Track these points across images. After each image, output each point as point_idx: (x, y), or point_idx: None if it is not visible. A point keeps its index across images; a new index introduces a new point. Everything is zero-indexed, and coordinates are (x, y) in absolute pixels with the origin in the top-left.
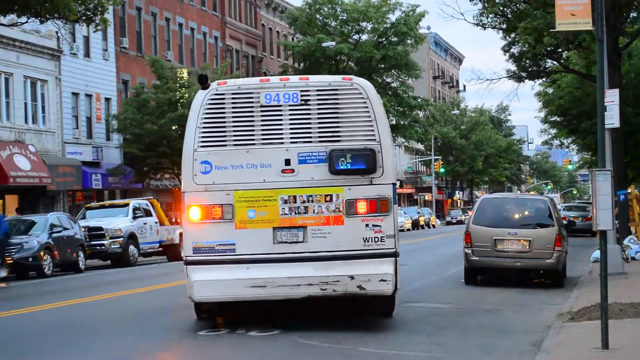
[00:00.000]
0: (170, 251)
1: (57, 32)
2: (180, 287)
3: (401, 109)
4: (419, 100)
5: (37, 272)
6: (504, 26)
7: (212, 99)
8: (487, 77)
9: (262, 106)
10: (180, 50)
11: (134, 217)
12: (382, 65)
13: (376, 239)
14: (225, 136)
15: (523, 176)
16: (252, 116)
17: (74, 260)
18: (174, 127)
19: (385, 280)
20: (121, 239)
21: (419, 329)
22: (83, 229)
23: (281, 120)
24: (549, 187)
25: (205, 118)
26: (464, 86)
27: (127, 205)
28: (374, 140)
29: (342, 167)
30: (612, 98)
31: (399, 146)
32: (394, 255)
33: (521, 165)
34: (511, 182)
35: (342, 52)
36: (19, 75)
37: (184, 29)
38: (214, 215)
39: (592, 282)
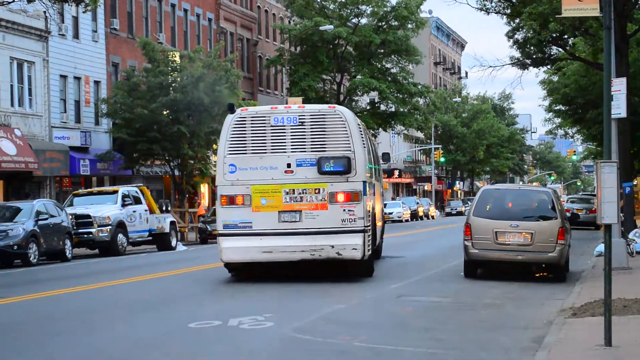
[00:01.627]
0: (160, 240)
1: (45, 12)
2: (169, 278)
3: (401, 96)
4: (420, 86)
5: (23, 260)
6: (509, 11)
7: (236, 121)
8: (490, 63)
9: (271, 126)
10: (172, 32)
11: (123, 205)
12: (382, 50)
13: (350, 220)
14: (245, 146)
15: (526, 166)
16: (265, 133)
17: (61, 249)
18: (165, 112)
19: (355, 249)
20: (109, 227)
21: (417, 323)
22: (70, 217)
23: (284, 136)
24: (552, 178)
25: (232, 134)
26: (466, 73)
27: (115, 192)
28: (350, 150)
29: (327, 169)
30: (619, 87)
31: (397, 134)
32: (363, 231)
33: (524, 155)
34: (513, 172)
35: (341, 36)
36: (5, 56)
37: (177, 10)
38: (237, 202)
39: (596, 277)
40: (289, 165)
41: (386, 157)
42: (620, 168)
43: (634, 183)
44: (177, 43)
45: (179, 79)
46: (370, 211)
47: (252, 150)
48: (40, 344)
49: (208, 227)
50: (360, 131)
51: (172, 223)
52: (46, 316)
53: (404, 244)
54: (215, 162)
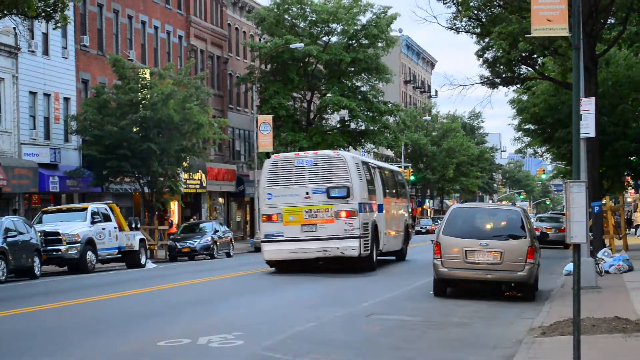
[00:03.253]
0: (130, 258)
1: (14, 29)
2: (137, 296)
3: (371, 114)
4: (389, 105)
5: None
6: (478, 30)
7: (271, 163)
8: (460, 82)
9: (295, 166)
10: (143, 49)
11: (92, 222)
12: (352, 69)
13: (350, 230)
14: (278, 180)
15: (495, 185)
16: (290, 171)
17: (29, 266)
18: (135, 129)
19: (353, 249)
20: (78, 244)
21: (387, 342)
22: (39, 234)
23: (304, 173)
24: (521, 196)
25: (269, 172)
26: (436, 91)
27: (85, 209)
28: (349, 182)
29: (333, 195)
30: (587, 107)
31: (367, 152)
32: (359, 237)
33: (494, 174)
34: (483, 191)
35: (311, 54)
36: None
37: (147, 27)
38: (273, 219)
39: (565, 295)
40: (307, 193)
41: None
42: (589, 187)
43: (603, 202)
44: (147, 60)
45: (149, 96)
46: (369, 223)
47: (283, 183)
48: None
49: (178, 244)
50: (358, 168)
51: (141, 240)
52: (11, 334)
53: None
54: (185, 179)
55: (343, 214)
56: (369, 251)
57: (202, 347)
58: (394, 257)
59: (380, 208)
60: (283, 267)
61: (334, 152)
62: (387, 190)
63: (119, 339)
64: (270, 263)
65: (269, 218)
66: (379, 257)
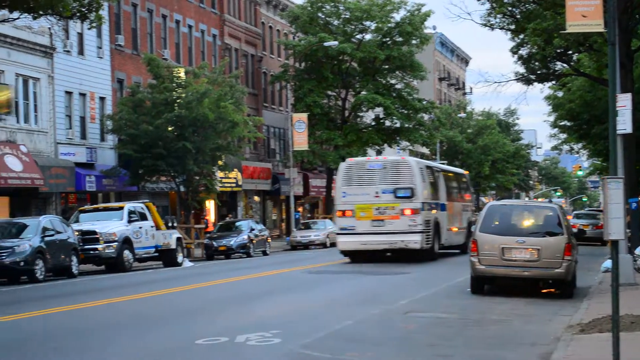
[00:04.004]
0: (166, 256)
1: (50, 29)
2: (176, 294)
3: (405, 112)
4: (424, 102)
5: (29, 277)
6: (513, 27)
7: (346, 166)
8: (495, 79)
9: (367, 169)
10: (177, 48)
11: (129, 221)
12: (386, 66)
13: (413, 225)
14: (351, 181)
15: (531, 182)
16: (363, 173)
17: (67, 265)
18: (170, 128)
19: (416, 243)
20: (115, 243)
21: (424, 340)
22: (76, 233)
23: (374, 175)
24: (558, 193)
25: (344, 173)
26: (471, 88)
27: (121, 208)
28: (413, 184)
29: (399, 195)
30: (624, 102)
31: (403, 150)
32: (422, 232)
33: (529, 170)
34: (519, 188)
35: (345, 52)
36: (11, 72)
37: (181, 26)
38: (347, 215)
39: (603, 292)
40: (376, 193)
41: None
42: (626, 184)
43: None
44: (181, 59)
45: (183, 95)
46: (431, 220)
47: (356, 183)
48: None
49: (214, 243)
50: (422, 172)
51: (178, 239)
52: (52, 333)
53: (411, 261)
54: (220, 177)
55: (407, 212)
56: (431, 244)
57: (239, 345)
58: (458, 250)
59: (442, 207)
60: (355, 256)
61: (401, 158)
62: (450, 191)
63: (157, 337)
64: (344, 252)
65: (343, 214)
66: (442, 250)
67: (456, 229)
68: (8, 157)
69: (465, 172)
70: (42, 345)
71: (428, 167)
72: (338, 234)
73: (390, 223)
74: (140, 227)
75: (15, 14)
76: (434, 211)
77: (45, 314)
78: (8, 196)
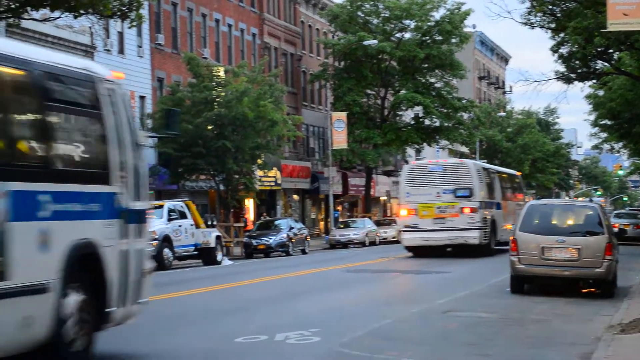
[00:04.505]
0: (206, 255)
1: (90, 28)
2: (215, 292)
3: (445, 111)
4: (464, 101)
5: None
6: (553, 25)
7: (410, 168)
8: (535, 78)
9: (429, 171)
10: (217, 47)
11: (169, 219)
12: (426, 65)
13: (471, 223)
14: (414, 182)
15: (571, 181)
16: (425, 175)
17: None
18: (209, 127)
19: (475, 239)
20: (155, 241)
21: (464, 339)
22: None
23: (435, 176)
24: (598, 193)
25: (407, 175)
26: (511, 87)
27: (161, 206)
28: (471, 185)
29: (458, 195)
30: None
31: (442, 149)
32: (479, 229)
33: (569, 170)
34: (559, 187)
35: (384, 50)
36: None
37: (221, 25)
38: (410, 213)
39: None
40: (438, 193)
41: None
42: None
43: None
44: (221, 58)
45: (223, 94)
46: (488, 218)
47: (419, 184)
48: None
49: (254, 241)
50: (479, 174)
51: (217, 237)
52: None
53: (451, 259)
54: (259, 176)
55: (466, 210)
56: (488, 240)
57: (279, 343)
58: None
59: (498, 206)
60: (418, 251)
61: (460, 160)
62: (504, 191)
63: (196, 335)
64: (408, 248)
65: (408, 213)
66: (498, 247)
67: (510, 226)
68: None
69: (518, 174)
70: None
71: (484, 169)
72: (402, 231)
73: (450, 221)
74: (180, 226)
75: (56, 14)
76: (490, 210)
77: None
78: None
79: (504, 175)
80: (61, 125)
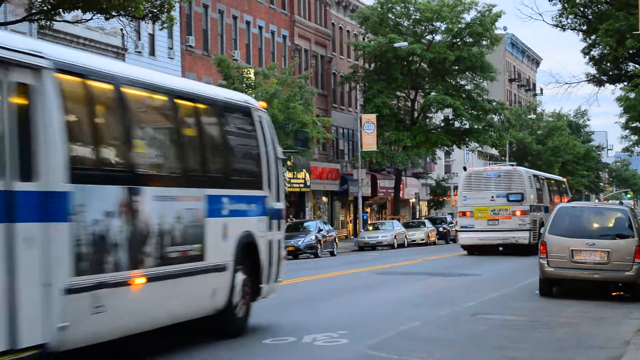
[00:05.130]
0: None
1: (122, 30)
2: None
3: (475, 113)
4: (494, 103)
5: None
6: (584, 27)
7: (467, 174)
8: (566, 80)
9: (484, 177)
10: (247, 49)
11: None
12: (456, 67)
13: (522, 224)
14: (471, 187)
15: (602, 184)
16: (480, 180)
17: None
18: None
19: (525, 239)
20: None
21: (492, 341)
22: None
23: (490, 182)
24: (628, 195)
25: (465, 181)
26: (541, 89)
27: None
28: (523, 190)
29: (511, 199)
30: None
31: (472, 151)
32: (529, 230)
33: (600, 172)
34: (589, 190)
35: (415, 52)
36: None
37: (251, 27)
38: (467, 215)
39: None
40: (492, 197)
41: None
42: None
43: None
44: (251, 60)
45: (253, 96)
46: (537, 220)
47: (475, 189)
48: None
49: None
50: (530, 180)
51: None
52: None
53: (480, 261)
54: (289, 178)
55: (518, 213)
56: (537, 241)
57: (307, 345)
58: None
59: (546, 209)
60: (472, 249)
61: (513, 168)
62: (552, 196)
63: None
64: (464, 247)
65: (464, 214)
66: None
67: None
68: None
69: (564, 179)
70: None
71: (535, 175)
72: (459, 231)
73: (503, 222)
74: None
75: (88, 15)
76: (539, 213)
77: None
78: None
79: (552, 181)
80: (234, 144)
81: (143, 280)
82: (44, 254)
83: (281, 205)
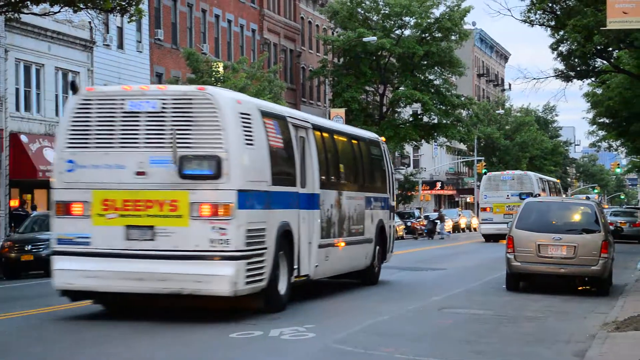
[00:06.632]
0: None
1: (90, 23)
2: None
3: (444, 108)
4: (462, 98)
5: None
6: (553, 23)
7: (487, 177)
8: (534, 76)
9: (501, 179)
10: (216, 43)
11: None
12: (425, 62)
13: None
14: (490, 187)
15: (569, 179)
16: (498, 182)
17: None
18: None
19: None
20: None
21: (459, 336)
22: None
23: (506, 184)
24: (595, 191)
25: (485, 183)
26: (510, 85)
27: None
28: (533, 190)
29: (523, 197)
30: None
31: (440, 146)
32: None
33: (567, 168)
34: None
35: (384, 47)
36: (50, 66)
37: (220, 21)
38: (487, 210)
39: (639, 290)
40: (507, 196)
41: None
42: None
43: None
44: (220, 54)
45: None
46: None
47: (494, 189)
48: None
49: None
50: (538, 181)
51: None
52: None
53: (446, 256)
54: None
55: None
56: None
57: (274, 339)
58: None
59: None
60: (490, 238)
61: (524, 173)
62: (551, 193)
63: (190, 331)
64: (484, 236)
65: (484, 209)
66: None
67: None
68: (47, 150)
69: (558, 180)
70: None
71: (540, 178)
72: (480, 223)
73: None
74: None
75: (56, 8)
76: None
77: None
78: (46, 189)
79: (551, 183)
80: (374, 164)
81: (343, 244)
82: (308, 227)
83: (394, 203)
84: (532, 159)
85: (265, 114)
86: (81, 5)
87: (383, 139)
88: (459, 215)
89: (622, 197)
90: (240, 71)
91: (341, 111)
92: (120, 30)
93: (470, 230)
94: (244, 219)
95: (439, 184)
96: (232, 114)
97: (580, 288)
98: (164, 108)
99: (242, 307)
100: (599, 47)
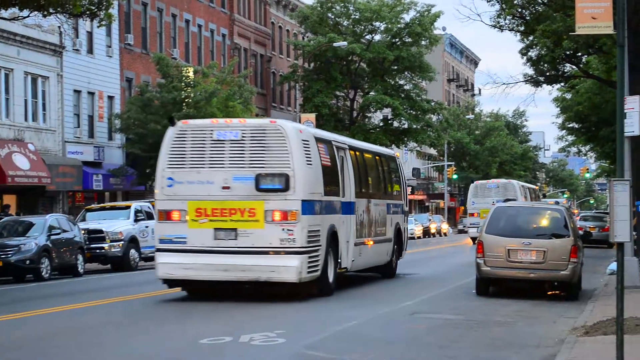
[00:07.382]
0: None
1: (59, 27)
2: (181, 293)
3: (414, 113)
4: (433, 103)
5: (35, 275)
6: (522, 28)
7: (474, 186)
8: (504, 81)
9: (487, 188)
10: (186, 47)
11: (136, 220)
12: (395, 67)
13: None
14: (477, 195)
15: (539, 184)
16: (484, 190)
17: (73, 264)
18: None
19: None
20: (122, 242)
21: (429, 341)
22: (83, 232)
23: (491, 191)
24: (565, 195)
25: (473, 190)
26: (479, 90)
27: (128, 207)
28: (516, 197)
29: (507, 199)
30: (632, 105)
31: (410, 151)
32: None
33: (537, 172)
34: None
35: (354, 52)
36: (20, 71)
37: (191, 25)
38: (474, 216)
39: (608, 295)
40: (493, 202)
41: None
42: (633, 186)
43: None
44: (191, 58)
45: (192, 95)
46: None
47: (480, 196)
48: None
49: None
50: (520, 189)
51: None
52: (53, 332)
53: (416, 261)
54: None
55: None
56: None
57: (244, 345)
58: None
59: None
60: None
61: (508, 181)
62: (532, 199)
63: (160, 337)
64: (472, 239)
65: (472, 214)
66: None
67: None
68: (16, 155)
69: (536, 187)
70: (44, 343)
71: (522, 185)
72: (468, 227)
73: None
74: (147, 227)
75: (25, 12)
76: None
77: (49, 313)
78: (15, 194)
79: (531, 189)
80: (392, 179)
81: (371, 242)
82: (347, 229)
83: (407, 208)
84: (502, 163)
85: (318, 140)
86: (50, 10)
87: (397, 154)
88: (429, 220)
89: (592, 201)
90: (211, 76)
91: (312, 116)
92: (90, 34)
93: (440, 235)
94: (306, 222)
95: (409, 189)
96: (296, 140)
97: (549, 293)
98: (243, 137)
99: (302, 292)
100: (568, 52)
